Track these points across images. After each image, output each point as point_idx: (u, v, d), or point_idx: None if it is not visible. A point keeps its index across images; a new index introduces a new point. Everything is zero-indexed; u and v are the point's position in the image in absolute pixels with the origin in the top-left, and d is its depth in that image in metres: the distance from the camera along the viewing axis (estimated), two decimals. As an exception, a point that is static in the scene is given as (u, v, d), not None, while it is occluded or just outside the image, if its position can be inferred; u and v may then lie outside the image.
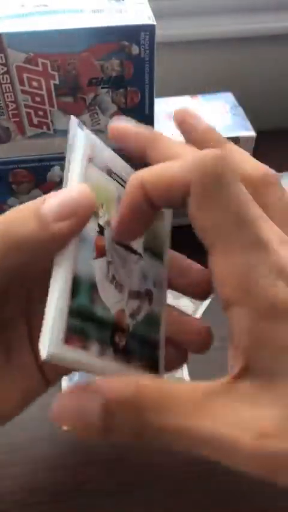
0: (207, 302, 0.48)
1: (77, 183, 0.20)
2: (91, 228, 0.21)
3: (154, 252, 0.27)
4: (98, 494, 0.35)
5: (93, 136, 0.23)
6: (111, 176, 0.23)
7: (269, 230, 0.19)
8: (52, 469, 0.36)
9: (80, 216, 0.19)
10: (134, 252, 0.25)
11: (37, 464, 0.36)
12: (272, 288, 0.18)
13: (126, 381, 0.19)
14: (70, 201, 0.19)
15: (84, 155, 0.21)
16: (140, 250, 0.25)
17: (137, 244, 0.25)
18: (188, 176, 0.19)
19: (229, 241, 0.19)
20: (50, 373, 0.26)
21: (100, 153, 0.23)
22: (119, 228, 0.22)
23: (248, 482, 0.36)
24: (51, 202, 0.19)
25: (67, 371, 0.27)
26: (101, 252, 0.21)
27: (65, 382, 0.41)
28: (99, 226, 0.21)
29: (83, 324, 0.19)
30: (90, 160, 0.22)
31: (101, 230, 0.21)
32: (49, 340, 0.18)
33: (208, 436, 0.17)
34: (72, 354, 0.18)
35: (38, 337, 0.22)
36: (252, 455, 0.17)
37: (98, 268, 0.21)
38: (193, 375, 0.42)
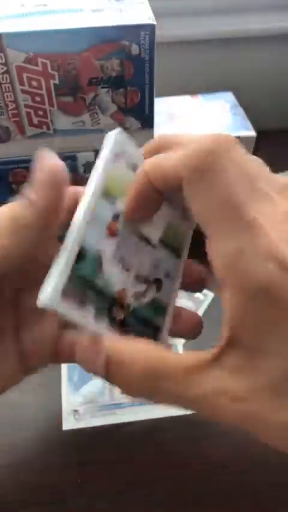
0: (207, 302, 0.48)
1: (99, 172, 0.25)
2: (106, 213, 0.24)
3: (173, 248, 0.28)
4: (98, 494, 0.35)
5: (126, 139, 0.26)
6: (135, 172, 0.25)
7: (260, 211, 0.20)
8: (52, 469, 0.36)
9: (57, 187, 0.23)
10: (149, 243, 0.26)
11: (36, 465, 0.36)
12: (262, 271, 0.19)
13: (129, 344, 0.22)
14: (44, 177, 0.24)
15: (111, 151, 0.25)
16: (157, 243, 0.27)
17: (155, 238, 0.27)
18: (179, 167, 0.21)
19: (220, 224, 0.20)
20: (31, 361, 0.27)
21: (130, 153, 0.26)
22: (128, 207, 0.24)
23: (248, 482, 0.36)
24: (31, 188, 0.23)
25: (50, 360, 0.27)
26: (112, 234, 0.24)
27: (65, 383, 0.41)
28: (115, 213, 0.24)
29: (83, 288, 0.22)
30: (119, 156, 0.25)
31: (116, 216, 0.24)
32: (49, 291, 0.20)
33: (194, 401, 0.21)
34: (67, 308, 0.21)
35: (25, 326, 0.26)
36: (230, 414, 0.21)
37: (107, 246, 0.23)
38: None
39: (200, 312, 0.47)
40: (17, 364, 0.26)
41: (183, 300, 0.48)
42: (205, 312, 0.47)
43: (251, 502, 0.35)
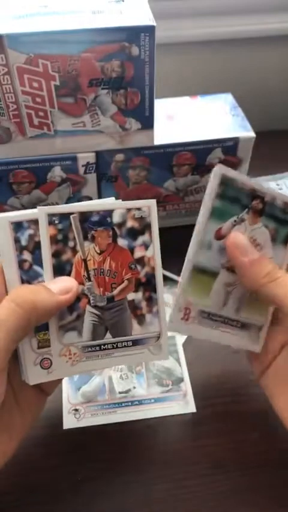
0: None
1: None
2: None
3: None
4: (98, 494, 0.35)
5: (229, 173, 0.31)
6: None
7: None
8: (52, 468, 0.36)
9: (73, 293, 0.29)
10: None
11: (37, 464, 0.37)
12: None
13: None
14: (66, 285, 0.29)
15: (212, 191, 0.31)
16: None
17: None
18: None
19: None
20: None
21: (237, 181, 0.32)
22: None
23: (248, 482, 0.36)
24: (54, 284, 0.29)
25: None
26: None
27: (66, 382, 0.41)
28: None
29: None
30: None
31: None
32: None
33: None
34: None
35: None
36: None
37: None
38: (192, 366, 0.42)
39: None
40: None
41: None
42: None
43: (251, 502, 0.35)
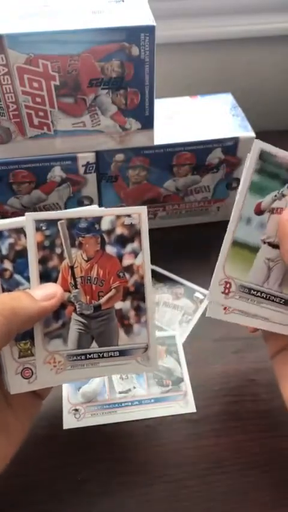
0: (207, 302, 0.48)
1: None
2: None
3: None
4: (98, 494, 0.35)
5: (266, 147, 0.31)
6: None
7: None
8: (52, 468, 0.36)
9: (56, 299, 0.29)
10: None
11: (37, 464, 0.37)
12: None
13: None
14: (49, 291, 0.29)
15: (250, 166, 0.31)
16: None
17: None
18: None
19: None
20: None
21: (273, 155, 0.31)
22: None
23: (248, 482, 0.36)
24: (37, 291, 0.29)
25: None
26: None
27: (65, 384, 0.41)
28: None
29: None
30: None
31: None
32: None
33: None
34: None
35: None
36: None
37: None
38: (192, 366, 0.42)
39: (200, 312, 0.47)
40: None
41: (183, 300, 0.48)
42: (205, 312, 0.47)
43: (251, 502, 0.35)
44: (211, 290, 0.32)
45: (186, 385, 0.41)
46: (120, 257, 0.31)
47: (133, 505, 0.35)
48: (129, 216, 0.31)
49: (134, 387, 0.41)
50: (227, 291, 0.32)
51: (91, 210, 0.32)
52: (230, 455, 0.37)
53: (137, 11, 0.39)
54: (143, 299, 0.32)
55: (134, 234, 0.31)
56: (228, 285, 0.32)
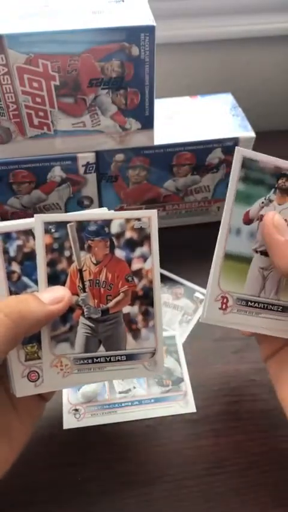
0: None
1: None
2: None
3: None
4: (98, 494, 0.35)
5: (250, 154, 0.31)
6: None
7: None
8: (52, 468, 0.36)
9: (64, 303, 0.29)
10: None
11: (37, 464, 0.37)
12: None
13: None
14: (57, 295, 0.29)
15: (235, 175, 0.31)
16: None
17: None
18: None
19: None
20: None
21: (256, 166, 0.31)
22: None
23: (248, 482, 0.36)
24: (45, 294, 0.29)
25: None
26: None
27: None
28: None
29: None
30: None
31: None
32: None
33: None
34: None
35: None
36: None
37: None
38: (192, 366, 0.42)
39: (200, 312, 0.47)
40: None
41: (183, 300, 0.48)
42: (205, 312, 0.47)
43: (251, 502, 0.35)
44: (207, 308, 0.32)
45: (186, 385, 0.41)
46: (129, 261, 0.31)
47: (133, 505, 0.35)
48: (139, 219, 0.31)
49: (134, 387, 0.41)
50: (224, 306, 0.32)
51: (101, 213, 0.31)
52: (229, 455, 0.37)
53: (137, 11, 0.39)
54: (151, 304, 0.32)
55: (143, 237, 0.31)
56: (225, 300, 0.32)
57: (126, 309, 0.31)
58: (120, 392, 0.41)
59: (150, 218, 0.31)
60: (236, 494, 0.35)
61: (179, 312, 0.47)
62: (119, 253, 0.31)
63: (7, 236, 0.29)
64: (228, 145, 0.49)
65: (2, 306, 0.27)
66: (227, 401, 0.40)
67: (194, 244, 0.54)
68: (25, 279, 0.30)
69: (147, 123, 0.44)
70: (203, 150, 0.49)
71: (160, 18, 0.41)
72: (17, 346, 0.29)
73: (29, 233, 0.30)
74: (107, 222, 0.31)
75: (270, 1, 0.67)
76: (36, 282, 0.30)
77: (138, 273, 0.31)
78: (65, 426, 0.39)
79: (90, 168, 0.47)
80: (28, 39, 0.37)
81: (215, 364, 0.43)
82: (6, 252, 0.29)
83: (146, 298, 0.31)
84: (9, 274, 0.30)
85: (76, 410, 0.39)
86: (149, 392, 0.41)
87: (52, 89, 0.40)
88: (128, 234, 0.31)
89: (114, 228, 0.31)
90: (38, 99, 0.40)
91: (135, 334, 0.31)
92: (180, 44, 0.68)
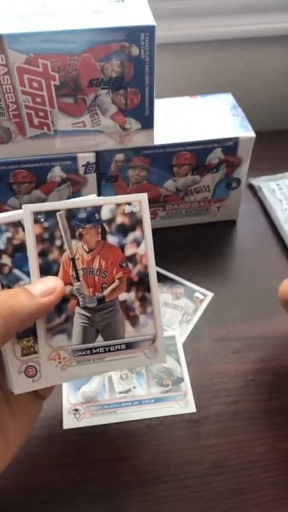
0: (207, 302, 0.48)
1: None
2: None
3: None
4: (98, 494, 0.35)
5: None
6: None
7: None
8: (52, 468, 0.36)
9: (56, 294, 0.28)
10: None
11: (37, 464, 0.36)
12: None
13: None
14: (49, 286, 0.28)
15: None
16: None
17: None
18: None
19: None
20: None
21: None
22: None
23: (248, 482, 0.36)
24: (36, 286, 0.28)
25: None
26: None
27: (65, 384, 0.41)
28: None
29: None
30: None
31: None
32: None
33: None
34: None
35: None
36: None
37: None
38: (192, 366, 0.42)
39: (200, 312, 0.47)
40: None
41: (183, 300, 0.48)
42: (205, 312, 0.47)
43: (251, 502, 0.35)
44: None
45: (186, 385, 0.41)
46: (122, 247, 0.30)
47: (133, 505, 0.35)
48: (129, 204, 0.30)
49: (134, 387, 0.41)
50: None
51: (90, 199, 0.31)
52: (230, 455, 0.37)
53: (137, 11, 0.39)
54: (148, 289, 0.31)
55: (135, 222, 0.31)
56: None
57: (123, 296, 0.31)
58: (120, 393, 0.41)
59: (141, 202, 0.31)
60: (236, 494, 0.35)
61: (179, 312, 0.47)
62: (111, 239, 0.30)
63: None
64: (228, 145, 0.49)
65: None
66: (227, 401, 0.40)
67: (194, 244, 0.54)
68: (16, 271, 0.29)
69: (147, 123, 0.44)
70: (203, 150, 0.49)
71: (160, 18, 0.41)
72: (12, 341, 0.29)
73: (18, 225, 0.29)
74: (97, 209, 0.30)
75: (270, 1, 0.67)
76: (28, 273, 0.29)
77: (132, 259, 0.31)
78: (65, 426, 0.39)
79: (90, 168, 0.47)
80: (28, 39, 0.37)
81: (215, 364, 0.43)
82: None
83: (142, 284, 0.31)
84: (0, 267, 0.29)
85: (76, 410, 0.39)
86: (149, 392, 0.41)
87: (52, 89, 0.40)
88: (119, 219, 0.30)
89: (105, 214, 0.30)
90: (38, 99, 0.40)
91: (134, 321, 0.31)
92: (180, 44, 0.68)
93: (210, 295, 0.49)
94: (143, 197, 0.31)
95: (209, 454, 0.37)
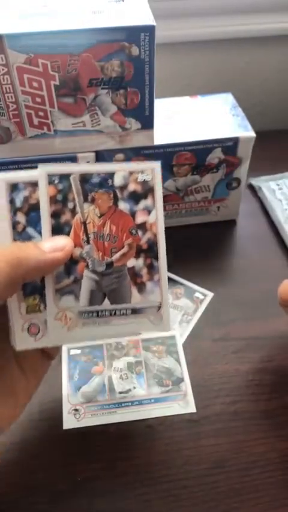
0: (207, 302, 0.48)
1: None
2: None
3: None
4: (98, 494, 0.35)
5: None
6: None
7: None
8: (52, 468, 0.36)
9: (65, 252, 0.28)
10: None
11: (37, 464, 0.37)
12: None
13: None
14: (59, 243, 0.29)
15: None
16: None
17: None
18: None
19: None
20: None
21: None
22: None
23: (248, 482, 0.36)
24: (46, 243, 0.29)
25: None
26: None
27: (66, 382, 0.41)
28: None
29: None
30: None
31: None
32: None
33: None
34: None
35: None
36: None
37: None
38: (192, 366, 0.42)
39: (200, 312, 0.47)
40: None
41: (183, 300, 0.48)
42: (205, 312, 0.47)
43: (251, 502, 0.35)
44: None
45: (186, 385, 0.41)
46: (133, 214, 0.31)
47: (133, 505, 0.35)
48: (142, 172, 0.31)
49: (134, 387, 0.41)
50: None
51: (104, 165, 0.31)
52: (230, 456, 0.37)
53: (137, 10, 0.39)
54: (156, 257, 0.31)
55: (147, 190, 0.31)
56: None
57: (131, 263, 0.31)
58: (120, 393, 0.41)
59: (154, 170, 0.31)
60: (236, 494, 0.35)
61: (179, 312, 0.47)
62: (123, 205, 0.31)
63: (14, 186, 0.29)
64: (228, 145, 0.49)
65: (0, 252, 0.26)
66: (227, 401, 0.40)
67: (194, 244, 0.54)
68: (30, 230, 0.30)
69: (147, 123, 0.44)
70: (203, 150, 0.49)
71: (160, 18, 0.41)
72: (18, 298, 0.29)
73: (36, 185, 0.30)
74: (111, 175, 0.30)
75: (270, 1, 0.67)
76: (40, 233, 0.30)
77: (142, 226, 0.31)
78: (65, 426, 0.39)
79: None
80: (28, 39, 0.37)
81: (215, 364, 0.43)
82: (12, 202, 0.29)
83: (151, 252, 0.31)
84: (14, 224, 0.29)
85: (76, 410, 0.39)
86: (149, 392, 0.41)
87: (52, 89, 0.40)
88: (132, 187, 0.31)
89: (118, 181, 0.31)
90: (38, 99, 0.40)
91: (140, 287, 0.31)
92: (180, 44, 0.68)
93: (210, 295, 0.49)
94: (156, 165, 0.31)
95: (209, 454, 0.37)
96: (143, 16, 0.39)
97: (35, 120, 0.42)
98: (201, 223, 0.56)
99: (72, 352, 0.43)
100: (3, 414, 0.30)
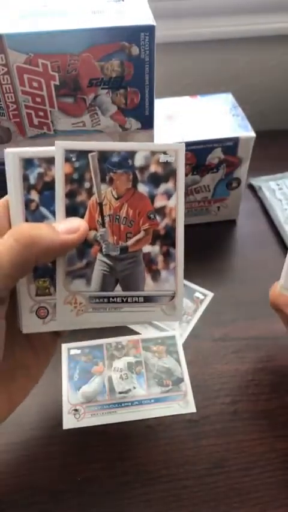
0: (207, 302, 0.48)
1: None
2: None
3: None
4: (98, 494, 0.35)
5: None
6: None
7: None
8: (52, 468, 0.36)
9: (79, 234, 0.28)
10: None
11: (37, 464, 0.36)
12: None
13: None
14: (73, 225, 0.28)
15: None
16: None
17: None
18: None
19: None
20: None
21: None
22: None
23: (248, 482, 0.36)
24: (60, 224, 0.28)
25: None
26: None
27: (66, 382, 0.41)
28: None
29: None
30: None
31: None
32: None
33: None
34: None
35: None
36: None
37: None
38: (192, 366, 0.42)
39: (200, 312, 0.47)
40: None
41: (184, 300, 0.48)
42: (205, 312, 0.47)
43: (251, 502, 0.35)
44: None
45: (186, 385, 0.41)
46: (152, 197, 0.29)
47: (133, 505, 0.35)
48: (165, 153, 0.29)
49: (134, 387, 0.41)
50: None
51: (125, 143, 0.29)
52: (230, 455, 0.37)
53: (137, 10, 0.39)
54: (173, 245, 0.30)
55: (169, 173, 0.29)
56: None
57: (147, 249, 0.30)
58: (120, 393, 0.41)
59: (177, 152, 0.29)
60: (236, 494, 0.35)
61: (179, 312, 0.47)
62: (142, 188, 0.29)
63: (28, 162, 0.28)
64: (228, 145, 0.49)
65: (13, 231, 0.26)
66: (227, 401, 0.40)
67: (194, 244, 0.54)
68: (43, 209, 0.28)
69: (147, 123, 0.44)
70: (203, 150, 0.49)
71: (160, 18, 0.41)
72: (28, 280, 0.28)
73: (51, 161, 0.28)
74: (131, 154, 0.29)
75: (270, 1, 0.67)
76: (54, 213, 0.28)
77: (161, 211, 0.29)
78: (65, 426, 0.39)
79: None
80: (28, 39, 0.37)
81: (215, 364, 0.43)
82: (26, 178, 0.28)
83: (168, 239, 0.30)
84: (27, 202, 0.28)
85: (76, 410, 0.39)
86: (149, 392, 0.41)
87: (52, 89, 0.40)
88: (153, 168, 0.29)
89: (138, 161, 0.29)
90: (38, 99, 0.40)
91: (155, 275, 0.30)
92: (180, 44, 0.68)
93: (210, 295, 0.49)
94: (180, 147, 0.29)
95: (209, 454, 0.37)
96: (143, 16, 0.39)
97: (35, 120, 0.42)
98: (201, 223, 0.56)
99: (72, 352, 0.43)
100: (18, 387, 0.31)
